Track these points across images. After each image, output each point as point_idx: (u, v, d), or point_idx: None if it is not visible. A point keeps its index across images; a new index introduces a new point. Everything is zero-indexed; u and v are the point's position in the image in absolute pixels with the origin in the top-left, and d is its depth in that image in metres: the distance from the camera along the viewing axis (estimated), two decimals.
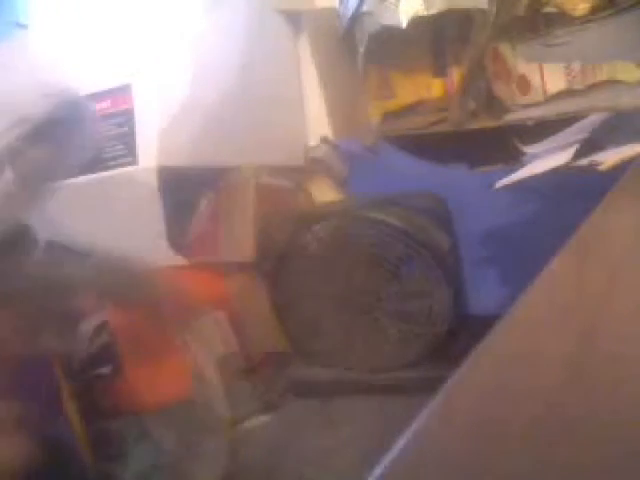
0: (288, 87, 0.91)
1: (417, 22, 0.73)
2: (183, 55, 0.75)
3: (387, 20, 0.76)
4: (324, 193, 0.88)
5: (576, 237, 0.41)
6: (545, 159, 0.73)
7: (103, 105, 0.72)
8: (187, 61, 0.75)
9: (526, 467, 0.22)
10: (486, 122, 0.80)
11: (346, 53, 0.86)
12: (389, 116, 0.86)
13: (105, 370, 0.70)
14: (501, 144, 0.81)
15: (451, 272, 0.72)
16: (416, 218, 0.74)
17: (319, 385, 0.76)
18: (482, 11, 0.72)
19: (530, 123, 0.77)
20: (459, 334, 0.72)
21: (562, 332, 0.31)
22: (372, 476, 0.23)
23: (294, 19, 0.91)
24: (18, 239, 0.55)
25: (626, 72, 0.74)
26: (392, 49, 0.82)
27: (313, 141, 0.90)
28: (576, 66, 0.77)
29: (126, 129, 0.71)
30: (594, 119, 0.74)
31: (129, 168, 0.71)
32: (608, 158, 0.61)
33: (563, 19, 0.73)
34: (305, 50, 0.91)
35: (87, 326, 0.68)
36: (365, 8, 0.79)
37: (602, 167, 0.59)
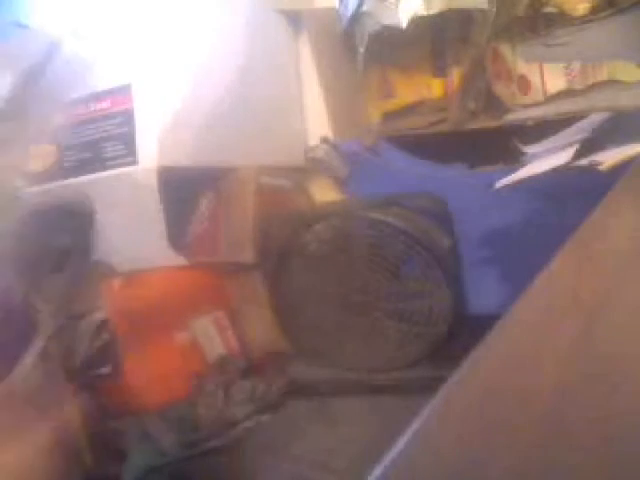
0: (288, 87, 0.91)
1: (417, 22, 0.73)
2: (183, 55, 0.75)
3: (387, 20, 0.76)
4: (324, 193, 0.88)
5: (576, 237, 0.41)
6: (545, 159, 0.73)
7: (103, 105, 0.72)
8: (187, 61, 0.75)
9: (526, 467, 0.22)
10: (486, 122, 0.80)
11: (346, 53, 0.86)
12: (389, 116, 0.86)
13: (105, 370, 0.70)
14: (501, 144, 0.81)
15: (451, 272, 0.72)
16: (416, 218, 0.74)
17: (319, 385, 0.76)
18: (482, 11, 0.73)
19: (530, 123, 0.77)
20: (459, 334, 0.72)
21: (562, 332, 0.31)
22: (372, 476, 0.23)
23: (294, 19, 0.91)
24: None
25: (626, 72, 0.74)
26: (392, 49, 0.82)
27: (313, 141, 0.90)
28: (576, 66, 0.77)
29: (126, 129, 0.71)
30: (594, 119, 0.74)
31: (129, 168, 0.71)
32: (608, 158, 0.61)
33: (563, 19, 0.73)
34: (305, 50, 0.91)
35: (87, 326, 0.68)
36: (365, 8, 0.79)
37: (602, 167, 0.59)
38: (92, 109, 0.73)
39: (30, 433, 0.52)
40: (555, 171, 0.66)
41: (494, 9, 0.71)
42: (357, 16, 0.81)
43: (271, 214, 0.79)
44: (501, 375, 0.28)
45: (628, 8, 0.68)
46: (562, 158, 0.67)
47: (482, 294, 0.78)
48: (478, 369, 0.29)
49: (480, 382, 0.28)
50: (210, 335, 0.75)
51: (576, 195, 0.66)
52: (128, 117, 0.72)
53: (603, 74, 0.76)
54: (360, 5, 0.79)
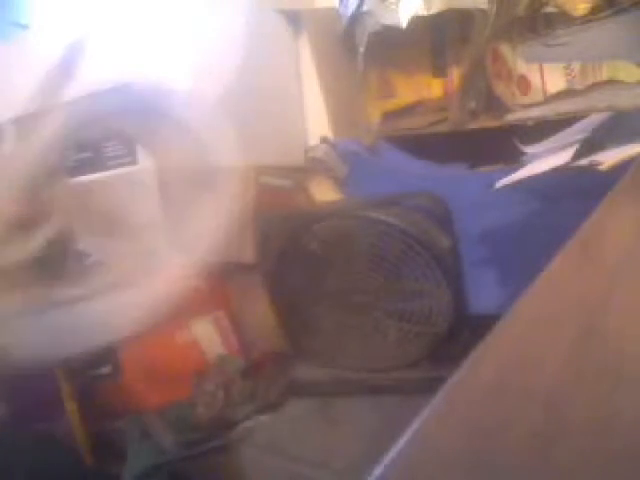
0: (288, 87, 0.91)
1: (417, 22, 0.73)
2: (183, 55, 0.75)
3: (387, 20, 0.76)
4: (324, 193, 0.88)
5: (576, 237, 0.41)
6: (545, 159, 0.73)
7: None
8: (187, 61, 0.75)
9: (526, 467, 0.22)
10: (486, 122, 0.80)
11: (346, 53, 0.86)
12: (389, 116, 0.86)
13: (105, 370, 0.70)
14: (501, 144, 0.81)
15: (451, 272, 0.71)
16: (416, 218, 0.74)
17: (319, 385, 0.76)
18: (482, 11, 0.72)
19: (530, 123, 0.77)
20: (459, 334, 0.72)
21: (562, 332, 0.31)
22: (372, 476, 0.23)
23: (294, 19, 0.91)
24: None
25: (626, 72, 0.74)
26: (392, 49, 0.82)
27: (313, 141, 0.90)
28: (576, 66, 0.77)
29: None
30: (594, 119, 0.74)
31: (129, 168, 0.71)
32: (608, 158, 0.61)
33: (563, 19, 0.73)
34: (305, 50, 0.91)
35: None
36: (365, 8, 0.79)
37: (602, 167, 0.59)
38: None
39: None
40: (555, 171, 0.66)
41: (494, 9, 0.71)
42: (357, 16, 0.81)
43: (271, 214, 0.79)
44: (501, 375, 0.28)
45: (628, 8, 0.68)
46: (562, 158, 0.67)
47: (482, 294, 0.78)
48: (478, 369, 0.29)
49: (480, 382, 0.28)
50: (210, 335, 0.75)
51: (576, 195, 0.66)
52: None
53: (603, 74, 0.76)
54: (360, 5, 0.79)
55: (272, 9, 0.89)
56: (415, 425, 0.24)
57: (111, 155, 0.72)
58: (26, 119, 0.58)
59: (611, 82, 0.76)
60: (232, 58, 0.81)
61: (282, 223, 0.78)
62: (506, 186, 0.69)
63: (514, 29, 0.76)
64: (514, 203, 0.77)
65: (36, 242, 0.56)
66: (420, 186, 0.83)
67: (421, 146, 0.85)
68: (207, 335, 0.74)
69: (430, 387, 0.27)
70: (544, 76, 0.78)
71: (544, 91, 0.78)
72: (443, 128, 0.82)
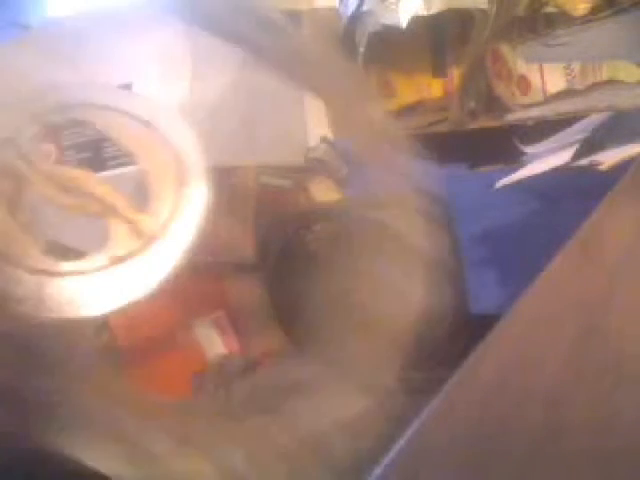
0: (288, 87, 0.91)
1: (417, 22, 0.73)
2: (182, 55, 0.75)
3: (387, 20, 0.76)
4: (324, 193, 0.88)
5: (576, 237, 0.41)
6: (545, 159, 0.73)
7: None
8: (186, 61, 0.75)
9: (526, 467, 0.22)
10: (486, 122, 0.80)
11: (346, 53, 0.86)
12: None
13: None
14: (501, 144, 0.81)
15: (451, 272, 0.71)
16: (416, 218, 0.74)
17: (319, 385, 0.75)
18: (482, 11, 0.72)
19: (530, 123, 0.77)
20: (459, 334, 0.72)
21: (562, 332, 0.31)
22: (372, 476, 0.23)
23: (294, 19, 0.91)
24: None
25: (626, 72, 0.74)
26: (392, 49, 0.82)
27: (313, 141, 0.90)
28: (576, 66, 0.77)
29: None
30: (594, 119, 0.74)
31: (129, 168, 0.71)
32: (608, 158, 0.61)
33: (563, 19, 0.73)
34: None
35: (87, 326, 0.67)
36: (365, 8, 0.79)
37: (602, 167, 0.59)
38: None
39: None
40: (555, 171, 0.66)
41: (494, 9, 0.71)
42: (357, 16, 0.81)
43: (271, 214, 0.79)
44: (501, 375, 0.28)
45: (628, 8, 0.68)
46: (562, 158, 0.67)
47: (482, 294, 0.78)
48: (478, 369, 0.29)
49: (480, 382, 0.28)
50: (210, 335, 0.75)
51: (576, 195, 0.66)
52: None
53: (603, 74, 0.76)
54: (360, 5, 0.79)
55: (272, 9, 0.89)
56: (415, 425, 0.24)
57: (111, 155, 0.72)
58: None
59: (611, 82, 0.76)
60: (232, 58, 0.81)
61: (282, 223, 0.78)
62: (506, 186, 0.69)
63: (514, 29, 0.76)
64: (514, 203, 0.77)
65: None
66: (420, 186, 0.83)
67: (421, 146, 0.84)
68: (207, 335, 0.74)
69: (430, 387, 0.27)
70: (544, 76, 0.78)
71: (544, 91, 0.78)
72: (443, 128, 0.82)
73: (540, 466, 0.22)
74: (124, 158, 0.72)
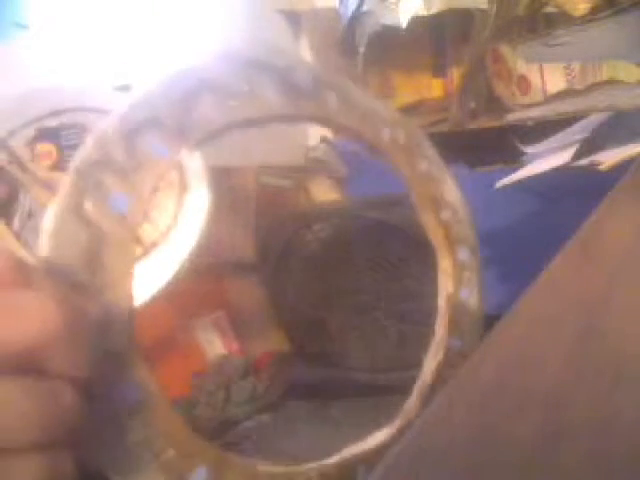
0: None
1: (417, 22, 0.73)
2: (182, 55, 0.75)
3: (387, 20, 0.76)
4: (324, 193, 0.88)
5: (576, 237, 0.41)
6: (545, 159, 0.73)
7: None
8: (186, 61, 0.75)
9: (526, 467, 0.22)
10: (486, 122, 0.80)
11: (346, 53, 0.86)
12: None
13: None
14: (501, 144, 0.81)
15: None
16: (416, 218, 0.74)
17: (319, 385, 0.76)
18: (482, 11, 0.72)
19: (530, 123, 0.77)
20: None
21: (562, 332, 0.31)
22: (372, 476, 0.23)
23: (294, 19, 0.91)
24: None
25: (626, 72, 0.74)
26: (392, 49, 0.82)
27: (313, 141, 0.90)
28: (576, 66, 0.77)
29: None
30: (594, 119, 0.74)
31: None
32: (608, 158, 0.61)
33: (563, 19, 0.72)
34: (305, 50, 0.91)
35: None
36: (365, 8, 0.79)
37: (602, 167, 0.59)
38: None
39: None
40: (555, 171, 0.66)
41: (494, 9, 0.71)
42: (357, 16, 0.81)
43: (271, 214, 0.79)
44: (501, 375, 0.28)
45: (628, 8, 0.68)
46: (562, 158, 0.67)
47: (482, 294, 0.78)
48: (478, 369, 0.29)
49: (480, 382, 0.28)
50: (210, 335, 0.75)
51: (576, 195, 0.66)
52: None
53: (603, 74, 0.76)
54: (360, 5, 0.79)
55: (272, 9, 0.89)
56: (415, 425, 0.24)
57: None
58: None
59: (611, 82, 0.75)
60: None
61: (282, 223, 0.78)
62: (506, 186, 0.69)
63: (514, 29, 0.76)
64: (514, 203, 0.77)
65: None
66: None
67: None
68: (207, 335, 0.74)
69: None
70: (544, 76, 0.78)
71: (544, 91, 0.78)
72: (443, 128, 0.81)
73: (540, 466, 0.22)
74: None
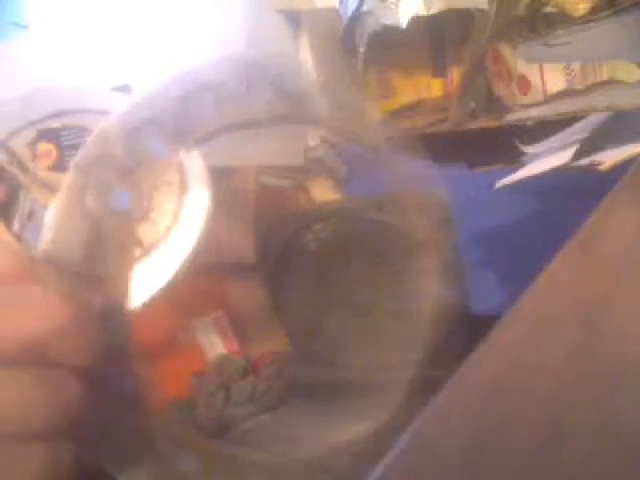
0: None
1: (417, 22, 0.73)
2: (182, 55, 0.75)
3: (387, 20, 0.76)
4: (324, 193, 0.88)
5: (576, 237, 0.41)
6: (545, 159, 0.73)
7: None
8: (186, 61, 0.75)
9: (527, 467, 0.22)
10: (486, 122, 0.80)
11: (346, 53, 0.86)
12: (389, 116, 0.86)
13: None
14: (501, 144, 0.81)
15: (451, 272, 0.71)
16: (416, 218, 0.74)
17: (319, 385, 0.76)
18: (482, 11, 0.72)
19: (530, 123, 0.77)
20: (459, 334, 0.72)
21: (562, 332, 0.31)
22: (372, 476, 0.23)
23: (294, 19, 0.91)
24: None
25: (626, 72, 0.74)
26: (392, 49, 0.82)
27: (313, 141, 0.90)
28: (576, 66, 0.77)
29: None
30: (594, 119, 0.74)
31: None
32: (608, 158, 0.61)
33: (563, 19, 0.72)
34: (305, 50, 0.91)
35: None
36: (365, 8, 0.79)
37: (602, 167, 0.59)
38: None
39: None
40: (555, 171, 0.66)
41: (494, 9, 0.71)
42: (357, 16, 0.81)
43: (271, 214, 0.79)
44: (501, 375, 0.28)
45: (628, 8, 0.68)
46: (562, 158, 0.67)
47: (482, 294, 0.78)
48: (478, 369, 0.29)
49: (480, 382, 0.28)
50: (210, 335, 0.75)
51: (576, 195, 0.66)
52: None
53: (603, 74, 0.76)
54: (360, 5, 0.79)
55: (272, 9, 0.89)
56: (415, 425, 0.24)
57: None
58: None
59: (611, 82, 0.75)
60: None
61: (282, 223, 0.78)
62: (506, 186, 0.69)
63: (514, 29, 0.76)
64: (514, 203, 0.77)
65: None
66: (420, 186, 0.82)
67: (421, 146, 0.84)
68: (207, 335, 0.74)
69: (430, 387, 0.27)
70: (544, 76, 0.78)
71: (544, 91, 0.78)
72: (443, 128, 0.81)
73: (540, 466, 0.22)
74: None
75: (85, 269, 0.31)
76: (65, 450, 0.28)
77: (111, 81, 0.73)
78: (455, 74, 0.81)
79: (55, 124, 0.64)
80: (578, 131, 0.74)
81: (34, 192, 0.58)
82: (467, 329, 0.73)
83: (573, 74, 0.77)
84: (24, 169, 0.58)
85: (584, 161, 0.64)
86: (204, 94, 0.39)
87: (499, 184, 0.71)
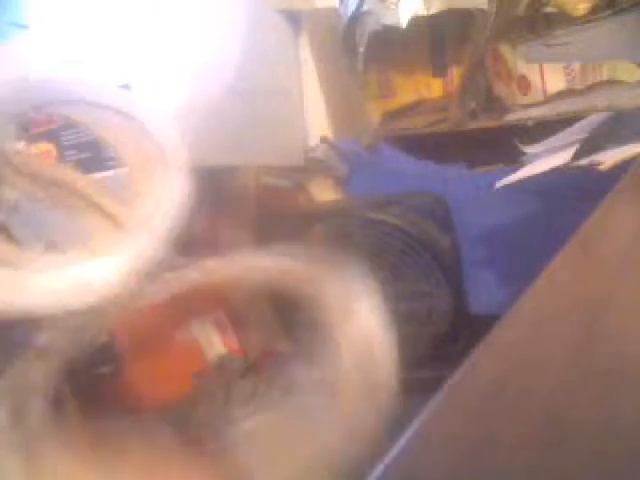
0: (288, 87, 0.91)
1: (417, 22, 0.73)
2: (182, 56, 0.75)
3: (387, 20, 0.76)
4: (324, 193, 0.88)
5: (576, 237, 0.41)
6: (545, 159, 0.73)
7: None
8: (186, 62, 0.75)
9: (527, 467, 0.22)
10: (486, 122, 0.80)
11: (346, 53, 0.86)
12: (389, 116, 0.86)
13: (106, 369, 0.70)
14: (501, 144, 0.81)
15: (451, 272, 0.71)
16: (416, 218, 0.74)
17: (319, 385, 0.75)
18: (482, 11, 0.72)
19: (530, 123, 0.77)
20: (459, 334, 0.72)
21: (563, 332, 0.31)
22: (372, 476, 0.23)
23: (294, 19, 0.91)
24: None
25: (626, 72, 0.74)
26: (392, 49, 0.82)
27: (313, 141, 0.90)
28: (576, 66, 0.77)
29: None
30: (594, 119, 0.74)
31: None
32: (608, 158, 0.61)
33: (563, 19, 0.73)
34: (305, 50, 0.91)
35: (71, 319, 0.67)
36: (365, 8, 0.79)
37: (602, 167, 0.59)
38: None
39: None
40: (555, 171, 0.66)
41: (494, 9, 0.71)
42: (357, 16, 0.81)
43: (271, 214, 0.79)
44: (501, 375, 0.28)
45: (628, 8, 0.68)
46: (562, 158, 0.67)
47: (482, 294, 0.78)
48: (478, 369, 0.29)
49: (480, 382, 0.28)
50: (210, 335, 0.75)
51: (576, 195, 0.66)
52: None
53: (603, 74, 0.76)
54: (360, 5, 0.79)
55: (272, 9, 0.89)
56: (415, 425, 0.24)
57: (111, 155, 0.72)
58: None
59: (611, 82, 0.75)
60: (232, 58, 0.81)
61: (282, 223, 0.78)
62: (506, 186, 0.69)
63: (514, 29, 0.76)
64: (514, 203, 0.77)
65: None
66: (420, 186, 0.83)
67: (421, 146, 0.85)
68: (207, 335, 0.74)
69: (430, 387, 0.27)
70: (544, 76, 0.78)
71: (544, 91, 0.78)
72: (443, 128, 0.82)
73: (540, 467, 0.22)
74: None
75: None
76: None
77: (111, 81, 0.73)
78: (455, 74, 0.82)
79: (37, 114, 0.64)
80: (578, 131, 0.74)
81: (19, 184, 0.58)
82: (467, 329, 0.73)
83: (573, 74, 0.77)
84: (7, 162, 0.58)
85: (584, 161, 0.64)
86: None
87: (499, 184, 0.71)
